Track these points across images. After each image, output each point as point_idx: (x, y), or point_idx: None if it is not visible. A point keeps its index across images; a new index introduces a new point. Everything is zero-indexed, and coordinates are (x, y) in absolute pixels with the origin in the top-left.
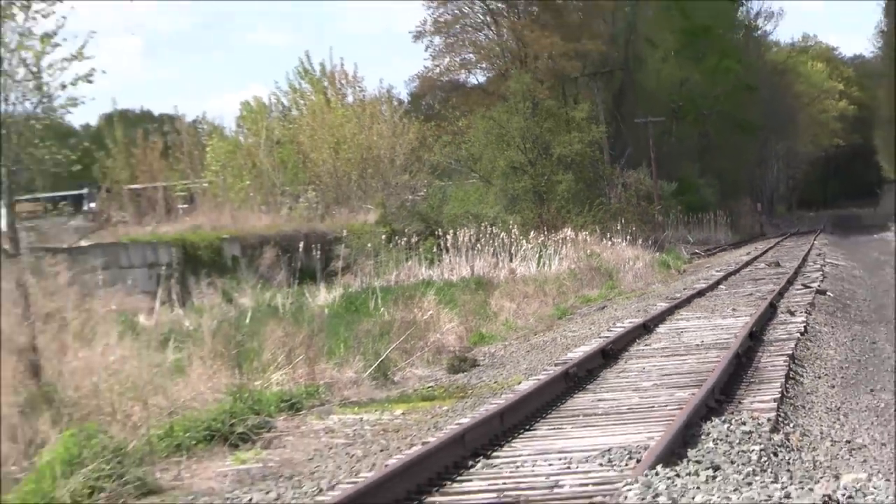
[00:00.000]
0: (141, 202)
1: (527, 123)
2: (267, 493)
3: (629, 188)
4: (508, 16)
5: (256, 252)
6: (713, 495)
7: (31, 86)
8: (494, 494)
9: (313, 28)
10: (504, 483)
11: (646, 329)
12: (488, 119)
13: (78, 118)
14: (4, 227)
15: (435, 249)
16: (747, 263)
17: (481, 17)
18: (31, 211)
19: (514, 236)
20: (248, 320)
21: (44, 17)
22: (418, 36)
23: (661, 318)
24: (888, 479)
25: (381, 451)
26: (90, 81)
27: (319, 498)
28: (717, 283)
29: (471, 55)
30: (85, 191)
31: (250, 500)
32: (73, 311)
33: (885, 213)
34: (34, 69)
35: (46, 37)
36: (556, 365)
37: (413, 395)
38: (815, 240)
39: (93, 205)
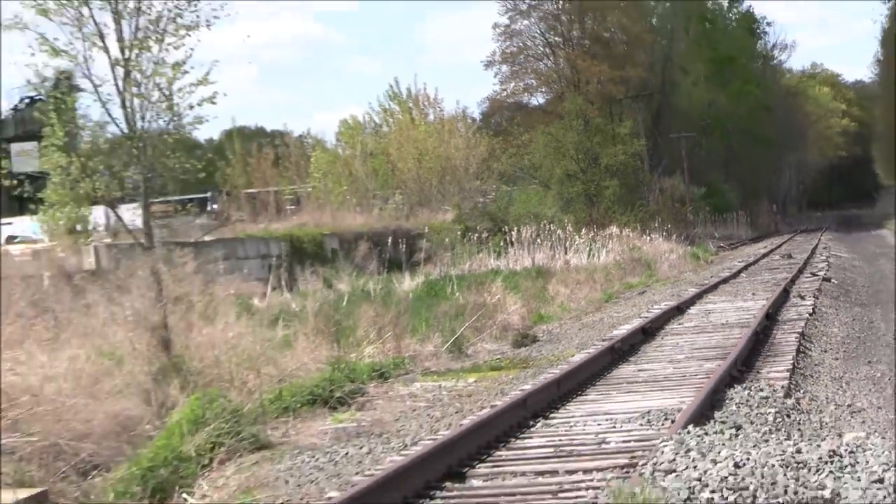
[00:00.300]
0: (255, 204)
1: (579, 138)
2: (360, 448)
3: (665, 192)
4: (564, 48)
5: (352, 245)
6: (736, 450)
7: (163, 106)
8: (551, 449)
9: (401, 58)
10: (559, 440)
11: (679, 310)
12: (547, 134)
13: (203, 133)
14: (142, 225)
15: (502, 244)
16: (764, 255)
17: (541, 48)
18: (164, 211)
19: (568, 233)
20: (344, 303)
21: (175, 48)
22: (489, 65)
23: (691, 301)
24: (884, 437)
25: (457, 412)
26: (213, 103)
27: (405, 452)
28: (739, 271)
29: (532, 80)
30: (209, 194)
31: (346, 453)
32: (199, 294)
33: (881, 214)
34: (167, 92)
35: (177, 65)
36: (603, 340)
37: (483, 365)
38: (821, 236)
39: (215, 206)
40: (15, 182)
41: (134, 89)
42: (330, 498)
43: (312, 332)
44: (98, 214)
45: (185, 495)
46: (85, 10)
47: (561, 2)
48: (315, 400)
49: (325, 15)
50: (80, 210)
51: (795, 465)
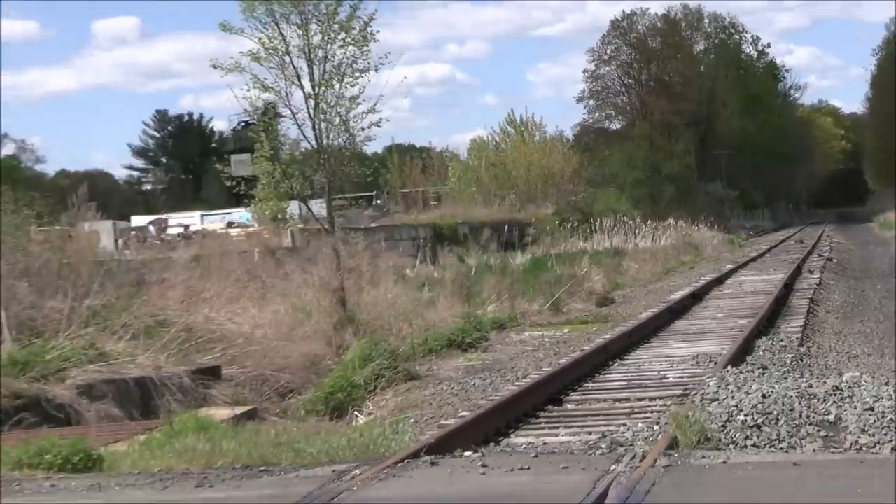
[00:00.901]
0: (408, 200)
1: (645, 154)
2: (484, 379)
3: (709, 194)
4: (635, 87)
5: (478, 231)
6: (763, 385)
7: (342, 129)
8: (625, 382)
9: (516, 94)
10: (631, 375)
11: (719, 281)
12: (622, 152)
13: (370, 148)
14: (326, 215)
15: (588, 231)
16: (782, 241)
17: (619, 88)
18: (342, 205)
19: (636, 223)
20: (473, 273)
21: (351, 86)
22: (580, 99)
23: (728, 274)
24: (873, 377)
25: (555, 354)
26: (378, 126)
27: (517, 383)
28: (764, 253)
29: (611, 111)
30: (374, 193)
31: (474, 383)
32: (366, 266)
33: (869, 211)
34: (345, 118)
35: (353, 98)
36: (663, 303)
37: (574, 320)
38: (825, 228)
39: (379, 202)
40: (234, 183)
41: (321, 116)
42: (463, 416)
43: (449, 295)
44: (293, 207)
45: (356, 412)
46: (287, 58)
47: (633, 54)
48: (451, 344)
49: (460, 62)
50: (281, 203)
51: (807, 396)
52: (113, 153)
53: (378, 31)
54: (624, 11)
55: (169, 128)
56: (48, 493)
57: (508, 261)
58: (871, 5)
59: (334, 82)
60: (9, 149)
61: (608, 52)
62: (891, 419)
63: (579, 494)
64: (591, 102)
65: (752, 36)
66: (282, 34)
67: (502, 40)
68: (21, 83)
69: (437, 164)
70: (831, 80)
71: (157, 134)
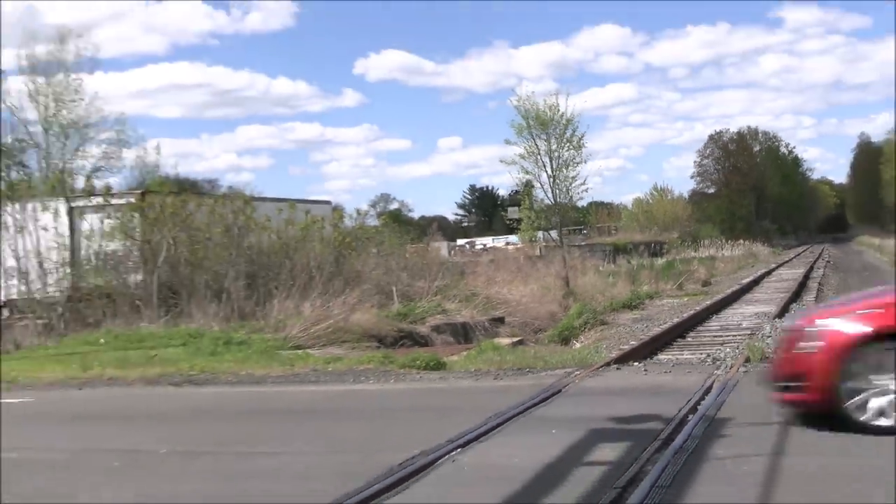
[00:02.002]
0: (601, 231)
1: (727, 206)
2: (643, 325)
3: (762, 227)
4: (722, 170)
5: (638, 246)
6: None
7: (567, 194)
8: (719, 327)
9: (657, 174)
10: (722, 323)
11: (768, 273)
12: (714, 205)
13: (581, 203)
14: (558, 238)
15: (696, 246)
16: (801, 252)
17: (713, 170)
18: (566, 233)
19: (722, 242)
20: (635, 269)
21: (572, 171)
22: (692, 177)
23: (772, 271)
24: None
25: (681, 311)
26: (586, 192)
27: (661, 326)
28: (791, 258)
29: (709, 183)
30: (583, 226)
31: (637, 327)
32: (579, 265)
33: (849, 235)
34: (569, 188)
35: (574, 178)
36: (738, 284)
37: (690, 293)
38: (825, 245)
39: (585, 231)
40: (510, 222)
41: (556, 188)
42: (632, 344)
43: (623, 280)
44: (541, 235)
45: (574, 341)
46: (538, 156)
47: (720, 153)
48: (624, 306)
49: (629, 158)
50: (535, 232)
51: None
52: (447, 207)
53: (586, 143)
54: (715, 130)
55: (476, 193)
56: (417, 381)
57: (654, 262)
58: (853, 123)
59: (563, 169)
60: (394, 204)
61: (707, 152)
62: None
63: (697, 385)
64: (698, 178)
65: (786, 142)
66: (536, 144)
67: (649, 144)
68: (401, 174)
69: (615, 211)
70: (829, 165)
71: (469, 197)
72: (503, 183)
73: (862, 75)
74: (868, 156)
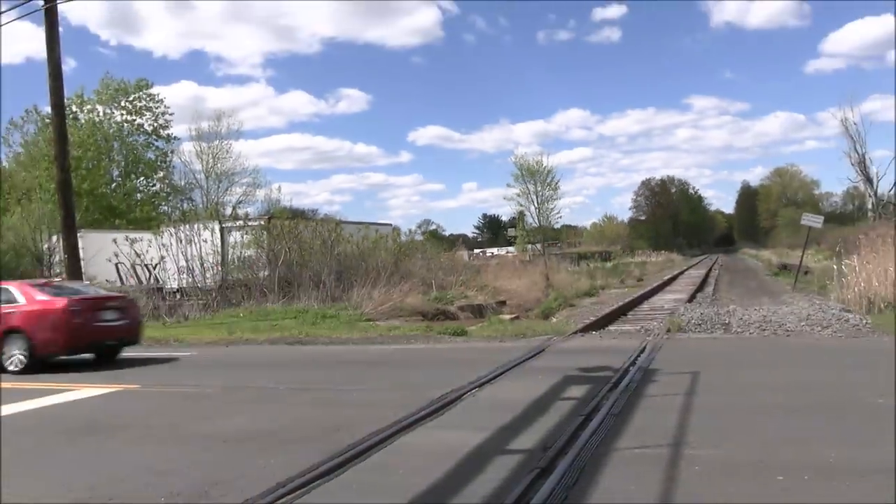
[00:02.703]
0: (569, 244)
1: (653, 228)
2: (598, 307)
3: (676, 242)
4: (651, 204)
5: (595, 255)
6: (698, 309)
7: (547, 219)
8: (648, 307)
9: (607, 206)
10: (652, 305)
11: (682, 273)
12: (646, 227)
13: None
14: (541, 250)
15: (633, 254)
16: (702, 260)
17: (644, 204)
18: (545, 245)
19: (650, 252)
20: (591, 269)
21: (550, 205)
22: (630, 208)
23: (684, 271)
24: (746, 309)
25: (624, 297)
26: (560, 217)
27: (609, 309)
28: (696, 263)
29: (642, 213)
30: (559, 241)
31: (593, 308)
32: (555, 266)
33: (736, 248)
34: (548, 215)
35: (551, 209)
36: (661, 280)
37: (628, 286)
38: (719, 255)
39: (560, 244)
40: (510, 237)
41: (541, 215)
42: (591, 319)
43: (585, 276)
44: (530, 247)
45: (552, 317)
46: (529, 195)
47: (649, 193)
48: (586, 294)
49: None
50: (526, 245)
51: (716, 314)
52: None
53: (560, 186)
54: (646, 178)
55: (487, 219)
56: (448, 343)
57: (605, 265)
58: (738, 173)
59: (545, 203)
60: (433, 226)
61: (640, 192)
62: (749, 322)
63: (635, 347)
64: (634, 209)
65: (693, 186)
66: (527, 187)
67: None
68: (438, 207)
69: (579, 231)
70: (719, 203)
71: (482, 221)
72: (505, 212)
73: (744, 142)
74: (747, 195)
